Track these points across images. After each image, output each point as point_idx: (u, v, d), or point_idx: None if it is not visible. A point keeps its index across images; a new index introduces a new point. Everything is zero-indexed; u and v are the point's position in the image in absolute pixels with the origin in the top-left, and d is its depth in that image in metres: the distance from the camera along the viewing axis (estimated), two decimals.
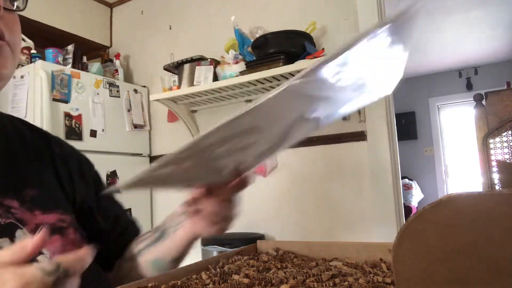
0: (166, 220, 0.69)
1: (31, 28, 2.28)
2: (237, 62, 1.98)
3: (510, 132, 1.90)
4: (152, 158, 2.58)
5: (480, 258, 0.25)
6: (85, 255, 0.38)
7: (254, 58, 1.96)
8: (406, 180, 4.95)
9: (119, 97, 2.40)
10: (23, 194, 0.57)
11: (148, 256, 0.67)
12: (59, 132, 2.03)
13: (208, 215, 0.59)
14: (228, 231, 0.61)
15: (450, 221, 0.26)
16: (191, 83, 2.08)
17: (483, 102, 2.01)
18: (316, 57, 1.70)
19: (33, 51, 2.19)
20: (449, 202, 0.26)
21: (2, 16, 0.50)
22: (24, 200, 0.57)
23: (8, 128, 0.63)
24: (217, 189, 0.57)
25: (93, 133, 2.20)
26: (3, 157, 0.58)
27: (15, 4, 0.53)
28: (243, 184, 0.57)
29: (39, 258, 0.54)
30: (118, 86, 2.40)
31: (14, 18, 0.53)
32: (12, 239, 0.53)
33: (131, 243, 0.72)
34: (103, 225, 0.69)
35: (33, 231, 0.55)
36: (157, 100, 2.19)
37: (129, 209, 2.25)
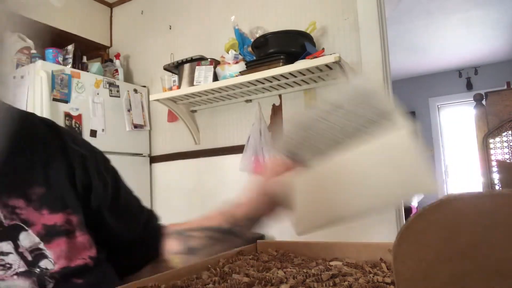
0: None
1: (31, 28, 2.28)
2: (237, 62, 1.98)
3: (510, 132, 1.90)
4: (152, 158, 2.58)
5: (480, 259, 0.25)
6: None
7: (254, 58, 1.96)
8: None
9: (119, 97, 2.40)
10: (30, 193, 0.55)
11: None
12: None
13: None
14: None
15: (450, 222, 0.25)
16: (191, 83, 2.08)
17: (483, 102, 2.01)
18: (316, 57, 1.70)
19: (33, 51, 2.19)
20: (449, 202, 0.26)
21: None
22: (31, 199, 0.54)
23: (16, 123, 0.59)
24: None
25: (93, 133, 2.20)
26: (8, 154, 0.55)
27: None
28: None
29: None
30: (118, 86, 2.40)
31: None
32: (15, 242, 0.51)
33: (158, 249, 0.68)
34: (122, 231, 0.66)
35: (40, 232, 0.53)
36: (157, 100, 2.19)
37: None
